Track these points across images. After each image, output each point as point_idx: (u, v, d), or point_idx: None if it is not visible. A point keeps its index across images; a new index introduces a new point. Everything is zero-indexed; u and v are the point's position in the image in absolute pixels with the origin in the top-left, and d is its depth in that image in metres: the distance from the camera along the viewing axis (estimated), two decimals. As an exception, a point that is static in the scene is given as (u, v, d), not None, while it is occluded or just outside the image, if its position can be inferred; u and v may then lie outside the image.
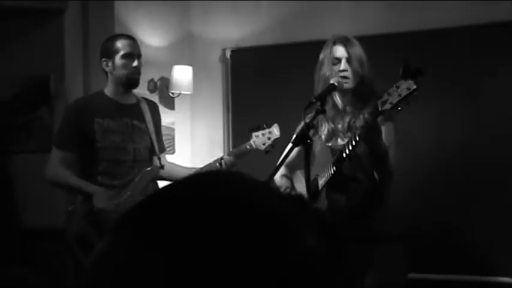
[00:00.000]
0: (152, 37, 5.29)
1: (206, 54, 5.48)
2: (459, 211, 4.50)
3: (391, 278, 3.15)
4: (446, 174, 4.55)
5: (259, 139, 3.71)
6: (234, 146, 5.32)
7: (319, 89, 3.25)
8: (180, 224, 0.62)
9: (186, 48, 5.50)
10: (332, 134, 3.29)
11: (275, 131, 3.74)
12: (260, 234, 0.62)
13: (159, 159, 3.84)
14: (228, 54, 5.38)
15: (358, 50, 3.26)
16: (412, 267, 3.33)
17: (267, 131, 3.73)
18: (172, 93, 5.30)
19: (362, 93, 3.22)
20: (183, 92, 5.24)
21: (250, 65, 5.27)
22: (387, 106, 2.90)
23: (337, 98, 3.28)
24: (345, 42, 3.26)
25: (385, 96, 2.91)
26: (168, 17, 5.45)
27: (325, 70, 3.26)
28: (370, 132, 2.97)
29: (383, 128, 3.07)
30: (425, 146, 4.61)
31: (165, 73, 5.28)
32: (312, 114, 3.08)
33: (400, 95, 2.87)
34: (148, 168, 3.76)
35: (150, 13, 5.31)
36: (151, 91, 5.20)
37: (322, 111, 3.06)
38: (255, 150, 3.73)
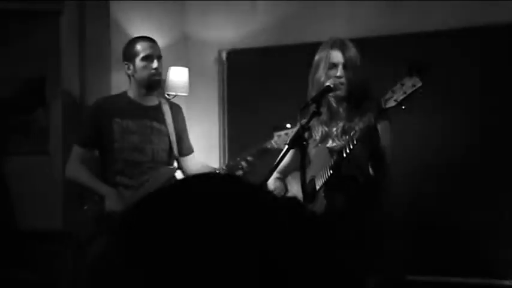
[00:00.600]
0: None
1: (202, 56, 5.47)
2: (459, 212, 4.49)
3: (389, 278, 3.15)
4: (446, 175, 4.55)
5: (281, 138, 3.71)
6: (229, 148, 5.32)
7: (313, 91, 3.25)
8: (164, 233, 0.62)
9: (182, 50, 5.49)
10: (325, 137, 3.29)
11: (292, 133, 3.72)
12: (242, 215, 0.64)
13: (177, 161, 3.85)
14: (224, 55, 5.38)
15: (354, 55, 3.26)
16: (410, 268, 3.33)
17: (290, 130, 3.73)
18: (168, 95, 5.28)
19: (356, 98, 3.23)
20: (178, 94, 5.23)
21: (247, 67, 5.27)
22: (391, 103, 2.85)
23: (332, 102, 3.28)
24: (343, 47, 3.26)
25: (389, 94, 2.86)
26: (164, 19, 5.44)
27: (320, 73, 3.26)
28: (370, 135, 2.95)
29: (379, 127, 3.04)
30: (424, 146, 4.60)
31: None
32: (308, 117, 3.07)
33: (405, 92, 2.81)
34: (163, 169, 3.76)
35: (146, 14, 5.31)
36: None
37: (317, 113, 3.05)
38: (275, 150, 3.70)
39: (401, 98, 2.82)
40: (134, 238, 0.62)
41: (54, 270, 4.53)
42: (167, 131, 3.83)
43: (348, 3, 5.01)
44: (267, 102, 5.04)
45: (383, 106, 2.87)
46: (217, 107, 5.40)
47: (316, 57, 3.31)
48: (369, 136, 2.95)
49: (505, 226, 4.37)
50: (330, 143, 3.27)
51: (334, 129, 3.27)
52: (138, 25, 5.22)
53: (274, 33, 5.23)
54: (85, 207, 3.76)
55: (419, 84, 2.80)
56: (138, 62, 3.75)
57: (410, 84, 2.81)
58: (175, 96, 5.27)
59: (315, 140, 3.32)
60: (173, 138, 3.83)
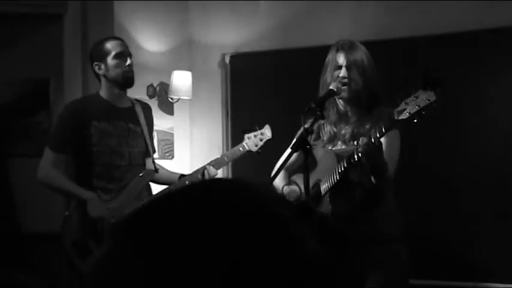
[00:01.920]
0: (151, 42, 5.28)
1: (205, 60, 5.46)
2: (457, 217, 4.49)
3: (392, 281, 3.14)
4: (446, 180, 4.54)
5: (252, 141, 3.79)
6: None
7: (322, 93, 3.24)
8: (176, 237, 0.61)
9: (185, 54, 5.49)
10: (333, 138, 3.26)
11: (267, 132, 3.82)
12: (264, 240, 0.62)
13: (154, 162, 3.83)
14: (227, 59, 5.37)
15: (360, 56, 3.23)
16: (412, 272, 3.31)
17: (259, 132, 3.79)
18: (172, 99, 5.28)
19: (365, 100, 3.19)
20: (182, 97, 5.23)
21: (250, 71, 5.26)
22: (404, 115, 2.79)
23: (340, 104, 3.27)
24: (347, 48, 3.24)
25: (402, 105, 2.80)
26: (167, 22, 5.44)
27: (327, 75, 3.25)
28: (374, 150, 2.92)
29: (386, 137, 3.02)
30: (426, 152, 4.59)
31: (164, 78, 5.27)
32: (312, 120, 3.06)
33: (418, 106, 2.75)
34: (143, 173, 3.75)
35: (150, 18, 5.31)
36: (151, 96, 5.19)
37: (321, 116, 3.04)
38: (247, 152, 3.80)
39: (414, 111, 2.77)
40: (141, 246, 0.62)
41: (55, 272, 4.51)
42: (142, 132, 3.78)
43: (351, 5, 5.00)
44: (270, 105, 5.03)
45: (395, 117, 2.82)
46: (220, 111, 5.39)
47: (326, 60, 3.31)
48: (372, 154, 2.92)
49: (502, 230, 4.36)
50: (337, 146, 3.25)
51: (343, 131, 3.24)
52: (141, 28, 5.22)
53: (277, 37, 5.23)
54: (66, 213, 3.71)
55: (434, 98, 2.75)
56: (110, 60, 3.67)
57: (425, 97, 2.76)
58: (178, 100, 5.27)
59: (322, 140, 3.31)
60: (148, 139, 3.80)
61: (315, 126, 3.14)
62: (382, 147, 2.96)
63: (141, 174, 3.73)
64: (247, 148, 3.79)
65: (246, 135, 3.81)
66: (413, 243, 3.24)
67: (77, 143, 3.67)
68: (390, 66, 4.36)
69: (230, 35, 5.40)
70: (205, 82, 5.41)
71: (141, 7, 5.25)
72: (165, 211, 0.65)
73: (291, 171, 3.43)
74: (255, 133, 3.80)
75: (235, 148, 3.87)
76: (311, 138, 3.13)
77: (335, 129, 3.26)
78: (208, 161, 3.79)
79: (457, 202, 4.51)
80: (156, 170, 3.81)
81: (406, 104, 2.78)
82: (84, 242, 3.60)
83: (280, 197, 0.69)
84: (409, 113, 2.77)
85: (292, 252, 0.63)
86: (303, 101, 3.25)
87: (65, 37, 5.05)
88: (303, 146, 2.98)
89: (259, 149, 3.79)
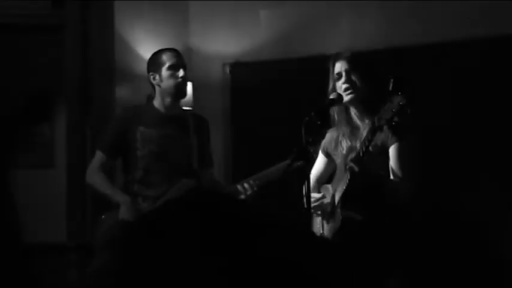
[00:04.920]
0: (151, 52, 5.25)
1: (206, 69, 5.44)
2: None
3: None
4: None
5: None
6: (234, 163, 5.27)
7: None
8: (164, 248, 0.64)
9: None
10: (350, 151, 3.28)
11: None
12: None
13: (196, 174, 3.81)
14: (228, 69, 5.36)
15: (358, 62, 3.28)
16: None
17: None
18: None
19: (375, 105, 3.15)
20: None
21: (251, 80, 5.25)
22: (381, 121, 2.97)
23: (354, 114, 3.30)
24: (345, 57, 3.29)
25: (381, 112, 2.98)
26: (167, 32, 5.42)
27: (330, 87, 3.30)
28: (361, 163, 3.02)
29: (392, 149, 3.10)
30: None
31: (165, 88, 5.24)
32: (312, 131, 3.07)
33: (392, 110, 2.93)
34: (183, 181, 3.72)
35: (150, 27, 5.30)
36: (151, 106, 5.17)
37: (322, 126, 3.08)
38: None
39: (389, 116, 2.94)
40: (138, 253, 0.64)
41: (58, 283, 4.51)
42: (189, 141, 3.80)
43: (351, 15, 5.00)
44: (271, 115, 5.02)
45: (376, 124, 3.00)
46: (221, 121, 5.37)
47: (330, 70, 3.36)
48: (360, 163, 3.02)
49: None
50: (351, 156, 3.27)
51: (358, 142, 3.24)
52: (142, 38, 5.21)
53: (278, 47, 5.22)
54: (103, 217, 3.74)
55: (404, 101, 2.91)
56: (164, 71, 3.76)
57: (397, 102, 2.92)
58: (179, 109, 5.25)
59: (339, 154, 3.34)
60: (194, 149, 3.82)
61: (316, 137, 3.16)
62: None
63: (182, 182, 3.71)
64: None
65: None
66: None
67: (124, 148, 3.75)
68: (389, 76, 4.35)
69: (231, 44, 5.39)
70: (205, 92, 5.39)
71: (141, 17, 5.24)
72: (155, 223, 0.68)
73: (321, 181, 3.49)
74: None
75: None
76: (312, 149, 3.14)
77: (349, 143, 3.29)
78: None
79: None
80: (198, 181, 3.78)
81: (384, 110, 2.97)
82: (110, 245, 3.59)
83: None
84: (386, 118, 2.95)
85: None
86: (304, 111, 3.25)
87: (66, 48, 5.05)
88: (303, 157, 2.99)
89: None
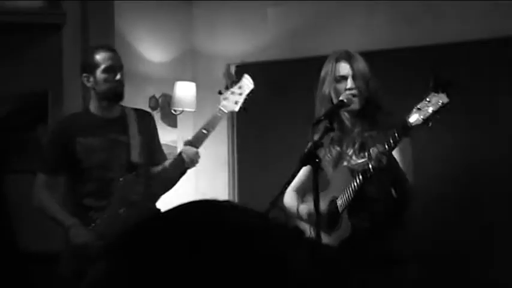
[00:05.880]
0: (154, 52, 5.19)
1: (210, 70, 5.38)
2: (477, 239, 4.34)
3: None
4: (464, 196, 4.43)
5: (230, 100, 3.48)
6: (239, 166, 5.17)
7: (321, 107, 3.14)
8: (165, 257, 0.62)
9: (189, 64, 5.41)
10: (339, 157, 3.13)
11: (246, 82, 3.52)
12: (257, 266, 0.63)
13: (136, 170, 3.57)
14: (232, 69, 5.26)
15: (362, 66, 3.14)
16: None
17: (236, 87, 3.52)
18: (175, 111, 5.18)
19: (368, 112, 3.10)
20: (185, 109, 5.13)
21: (256, 81, 5.12)
22: (418, 121, 2.75)
23: (345, 118, 3.13)
24: (349, 58, 3.14)
25: (415, 111, 2.76)
26: (170, 32, 5.37)
27: (326, 88, 3.15)
28: (387, 162, 2.83)
29: (398, 147, 2.90)
30: (441, 164, 4.50)
31: (167, 89, 5.18)
32: (320, 133, 2.95)
33: (431, 110, 2.73)
34: (121, 180, 3.50)
35: (152, 27, 5.23)
36: (153, 108, 5.08)
37: (330, 129, 2.94)
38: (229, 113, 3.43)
39: (428, 115, 2.73)
40: (138, 263, 0.63)
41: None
42: (132, 142, 3.57)
43: (360, 15, 4.94)
44: (277, 117, 4.95)
45: (409, 124, 2.77)
46: (225, 123, 5.27)
47: (322, 72, 3.20)
48: (387, 163, 2.81)
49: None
50: (347, 162, 3.11)
51: (350, 148, 3.12)
52: (143, 38, 5.13)
53: (284, 47, 5.15)
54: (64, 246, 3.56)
55: (446, 101, 2.72)
56: (99, 74, 3.51)
57: (436, 101, 2.73)
58: (182, 112, 5.16)
59: (329, 160, 3.17)
60: (137, 150, 3.57)
61: (324, 140, 3.02)
62: (392, 156, 2.88)
63: (119, 182, 3.51)
64: (226, 110, 3.50)
65: (222, 97, 3.47)
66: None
67: (66, 162, 3.53)
68: (400, 76, 4.36)
69: (235, 44, 5.33)
70: (209, 93, 5.28)
71: (142, 16, 5.16)
72: (155, 234, 0.66)
73: (302, 191, 3.30)
74: (232, 89, 3.50)
75: (212, 115, 3.54)
76: (320, 152, 2.99)
77: (339, 149, 3.16)
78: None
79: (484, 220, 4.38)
80: (136, 175, 3.54)
81: (419, 109, 2.75)
82: (82, 269, 3.39)
83: (272, 220, 0.70)
84: (423, 118, 2.74)
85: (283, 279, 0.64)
86: (311, 113, 3.14)
87: (64, 49, 4.94)
88: (312, 160, 2.84)
89: (243, 105, 3.48)
